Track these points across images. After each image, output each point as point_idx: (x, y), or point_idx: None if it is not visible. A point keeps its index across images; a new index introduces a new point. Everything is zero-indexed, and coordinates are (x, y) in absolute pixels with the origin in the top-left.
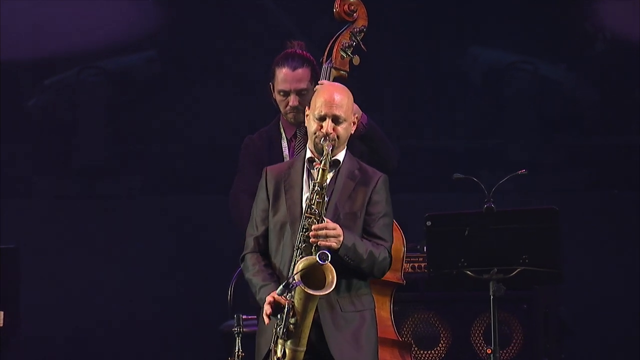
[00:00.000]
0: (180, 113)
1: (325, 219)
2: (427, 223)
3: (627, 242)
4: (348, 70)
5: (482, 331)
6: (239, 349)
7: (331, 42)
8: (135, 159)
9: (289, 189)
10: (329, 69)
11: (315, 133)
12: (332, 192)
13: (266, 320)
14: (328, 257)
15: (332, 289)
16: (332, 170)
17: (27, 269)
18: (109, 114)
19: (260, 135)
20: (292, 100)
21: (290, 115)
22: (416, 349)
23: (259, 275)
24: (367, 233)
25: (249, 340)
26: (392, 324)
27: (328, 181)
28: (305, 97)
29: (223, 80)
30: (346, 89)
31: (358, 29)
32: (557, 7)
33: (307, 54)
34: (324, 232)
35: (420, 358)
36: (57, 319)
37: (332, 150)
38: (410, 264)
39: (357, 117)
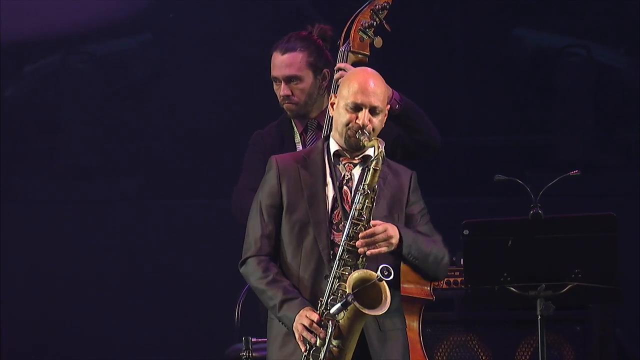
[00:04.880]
0: (181, 105)
1: (372, 223)
2: (464, 232)
3: None
4: (368, 53)
5: (528, 356)
6: None
7: (349, 21)
8: (129, 158)
9: (310, 184)
10: (345, 52)
11: (347, 124)
12: None
13: (302, 347)
14: (391, 272)
15: (387, 308)
16: (361, 167)
17: (15, 277)
18: (99, 107)
19: (271, 131)
20: (283, 88)
21: (284, 106)
22: None
23: (276, 285)
24: None
25: None
26: (421, 347)
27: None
28: (300, 85)
29: (230, 68)
30: (379, 74)
31: (380, 6)
32: None
33: (316, 39)
34: (372, 239)
35: None
36: (46, 335)
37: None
38: (445, 279)
39: (388, 95)
